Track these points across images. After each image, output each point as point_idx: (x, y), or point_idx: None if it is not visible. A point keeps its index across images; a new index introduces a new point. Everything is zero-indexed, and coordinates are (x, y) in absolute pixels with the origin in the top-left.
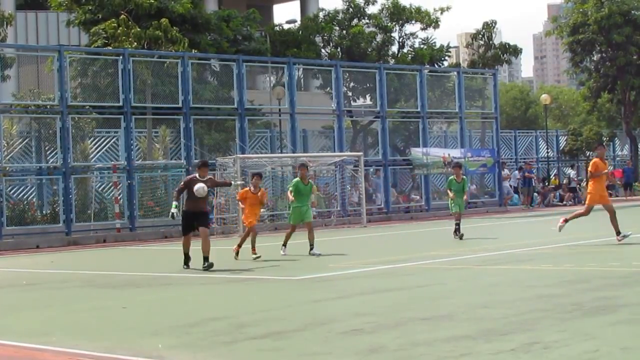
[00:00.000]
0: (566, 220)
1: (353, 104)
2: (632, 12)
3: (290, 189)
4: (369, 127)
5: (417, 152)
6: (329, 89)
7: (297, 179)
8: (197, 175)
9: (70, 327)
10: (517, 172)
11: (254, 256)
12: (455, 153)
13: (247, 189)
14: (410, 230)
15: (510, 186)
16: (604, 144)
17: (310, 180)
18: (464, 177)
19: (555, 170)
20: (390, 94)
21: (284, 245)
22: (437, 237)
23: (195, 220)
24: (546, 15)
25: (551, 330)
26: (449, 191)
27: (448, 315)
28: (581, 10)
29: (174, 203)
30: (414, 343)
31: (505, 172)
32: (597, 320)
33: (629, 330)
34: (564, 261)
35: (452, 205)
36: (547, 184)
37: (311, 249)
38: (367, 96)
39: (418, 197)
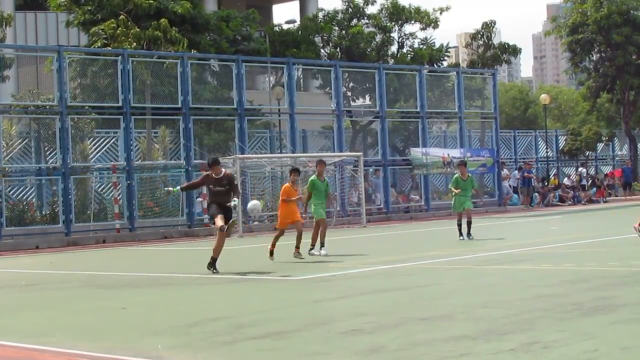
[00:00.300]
0: None
1: (352, 104)
2: (631, 12)
3: (308, 188)
4: (368, 127)
5: (416, 152)
6: (328, 89)
7: (314, 176)
8: (212, 174)
9: (69, 328)
10: (516, 172)
11: (270, 256)
12: (455, 153)
13: (288, 185)
14: (409, 231)
15: (510, 186)
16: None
17: (325, 177)
18: (470, 175)
19: (555, 170)
20: (389, 94)
21: (322, 245)
22: (437, 237)
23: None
24: (545, 15)
25: (551, 330)
26: (453, 189)
27: (447, 315)
28: (580, 10)
29: (178, 187)
30: (414, 343)
31: (505, 172)
32: (596, 320)
33: (628, 330)
34: (564, 261)
35: (456, 204)
36: (546, 183)
37: (311, 248)
38: (366, 96)
39: (417, 197)
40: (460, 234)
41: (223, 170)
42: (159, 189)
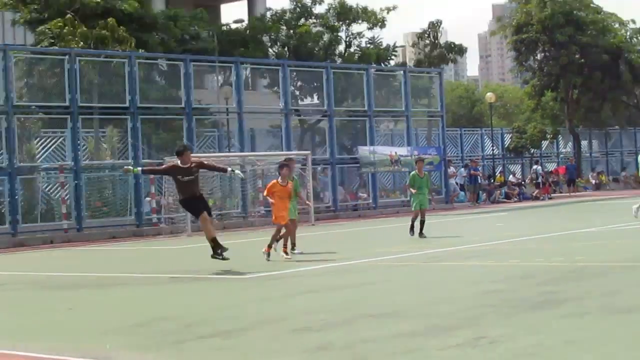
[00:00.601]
0: None
1: (300, 103)
2: (574, 12)
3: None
4: (316, 126)
5: (364, 151)
6: (276, 88)
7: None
8: (179, 162)
9: (16, 330)
10: (463, 169)
11: (286, 257)
12: (402, 151)
13: (275, 181)
14: (358, 228)
15: (457, 183)
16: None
17: (294, 177)
18: (426, 172)
19: (501, 168)
20: (337, 93)
21: (293, 245)
22: (385, 234)
23: (197, 204)
24: (491, 15)
25: (497, 325)
26: (411, 188)
27: (395, 312)
28: (525, 10)
29: (139, 168)
30: (362, 340)
31: (452, 169)
32: (541, 314)
33: (572, 324)
34: (510, 257)
35: (415, 202)
36: (492, 181)
37: (269, 246)
38: (314, 95)
39: (365, 195)
40: (412, 230)
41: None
42: (107, 189)
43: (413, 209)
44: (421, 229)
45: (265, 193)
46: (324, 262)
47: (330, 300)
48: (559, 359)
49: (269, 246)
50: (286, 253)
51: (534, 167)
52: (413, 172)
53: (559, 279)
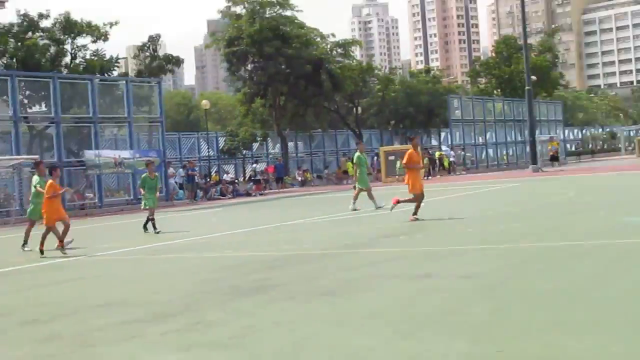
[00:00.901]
0: (398, 202)
1: (29, 110)
2: (281, 27)
3: (37, 186)
4: (44, 131)
5: (90, 154)
6: (5, 97)
7: (38, 177)
8: None
9: None
10: (181, 170)
11: (42, 255)
12: (126, 154)
13: (52, 181)
14: (85, 226)
15: (176, 183)
16: (415, 136)
17: (43, 178)
18: (156, 174)
19: (216, 168)
20: (64, 101)
21: (25, 242)
22: (111, 231)
23: None
24: (206, 30)
25: (213, 311)
26: (141, 189)
27: (120, 301)
28: (236, 25)
29: None
30: (89, 329)
31: (171, 170)
32: (253, 299)
33: (280, 307)
34: (224, 248)
35: (146, 201)
36: (208, 180)
37: (24, 244)
38: (42, 103)
39: (92, 195)
40: (154, 227)
41: None
42: None
43: (143, 207)
44: (154, 224)
45: (51, 193)
46: (51, 258)
47: (58, 293)
48: (268, 338)
49: (61, 241)
50: (42, 252)
51: (254, 165)
52: (144, 175)
53: (268, 267)
